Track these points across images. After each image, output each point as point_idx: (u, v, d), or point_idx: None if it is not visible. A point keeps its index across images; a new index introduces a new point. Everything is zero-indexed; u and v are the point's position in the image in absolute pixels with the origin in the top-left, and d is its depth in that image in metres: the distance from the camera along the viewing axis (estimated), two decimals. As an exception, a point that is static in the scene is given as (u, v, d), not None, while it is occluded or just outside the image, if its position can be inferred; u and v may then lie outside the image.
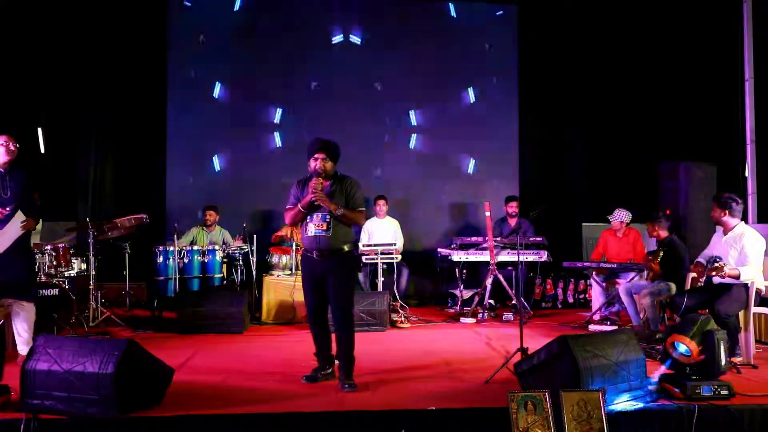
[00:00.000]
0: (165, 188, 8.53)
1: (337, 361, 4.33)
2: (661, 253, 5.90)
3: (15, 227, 4.71)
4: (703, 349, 3.82)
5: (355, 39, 8.92)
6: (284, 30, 8.75)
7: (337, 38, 8.91)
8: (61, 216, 7.81)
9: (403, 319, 6.75)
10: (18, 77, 7.83)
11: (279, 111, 8.78)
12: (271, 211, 8.64)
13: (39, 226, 6.02)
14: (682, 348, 3.88)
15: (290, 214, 4.30)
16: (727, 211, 4.93)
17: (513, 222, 7.91)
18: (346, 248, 4.27)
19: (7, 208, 4.68)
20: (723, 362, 3.83)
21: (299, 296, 6.83)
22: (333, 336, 4.37)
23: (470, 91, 9.06)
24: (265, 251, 7.39)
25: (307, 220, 4.24)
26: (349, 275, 4.38)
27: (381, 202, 8.00)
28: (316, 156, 4.22)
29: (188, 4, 8.61)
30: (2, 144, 4.73)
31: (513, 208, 7.93)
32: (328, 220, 4.18)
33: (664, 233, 6.00)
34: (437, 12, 9.06)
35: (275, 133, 8.78)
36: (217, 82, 8.70)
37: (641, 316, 6.02)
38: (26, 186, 4.87)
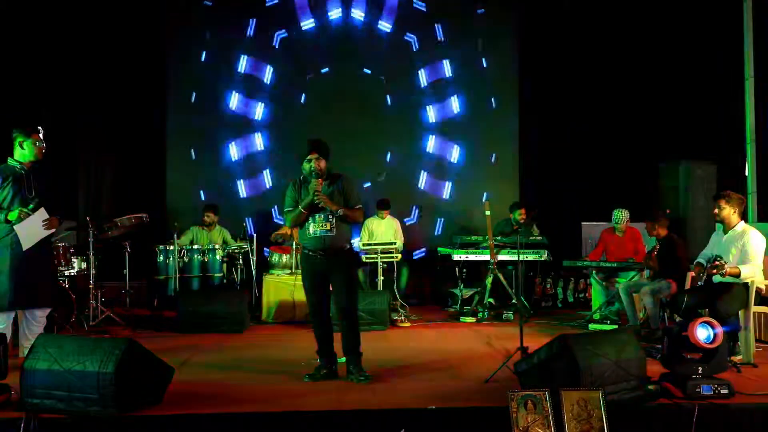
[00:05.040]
0: (165, 188, 8.52)
1: (345, 357, 4.36)
2: (657, 246, 5.91)
3: (38, 225, 4.59)
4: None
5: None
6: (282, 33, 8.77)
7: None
8: (61, 215, 7.80)
9: (403, 318, 6.74)
10: (19, 76, 7.81)
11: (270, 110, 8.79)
12: (271, 211, 8.64)
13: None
14: (704, 334, 3.72)
15: (292, 217, 4.33)
16: (729, 209, 4.93)
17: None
18: (347, 246, 4.40)
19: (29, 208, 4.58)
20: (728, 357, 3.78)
21: (299, 295, 6.83)
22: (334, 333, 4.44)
23: (471, 89, 9.04)
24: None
25: (309, 221, 4.28)
26: (352, 272, 4.55)
27: (384, 212, 7.97)
28: (309, 157, 4.26)
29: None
30: (36, 143, 4.65)
31: (523, 215, 7.66)
32: (331, 220, 4.24)
33: (663, 231, 6.03)
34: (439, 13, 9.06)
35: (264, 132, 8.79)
36: (217, 82, 8.70)
37: (641, 314, 6.02)
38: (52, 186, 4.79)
